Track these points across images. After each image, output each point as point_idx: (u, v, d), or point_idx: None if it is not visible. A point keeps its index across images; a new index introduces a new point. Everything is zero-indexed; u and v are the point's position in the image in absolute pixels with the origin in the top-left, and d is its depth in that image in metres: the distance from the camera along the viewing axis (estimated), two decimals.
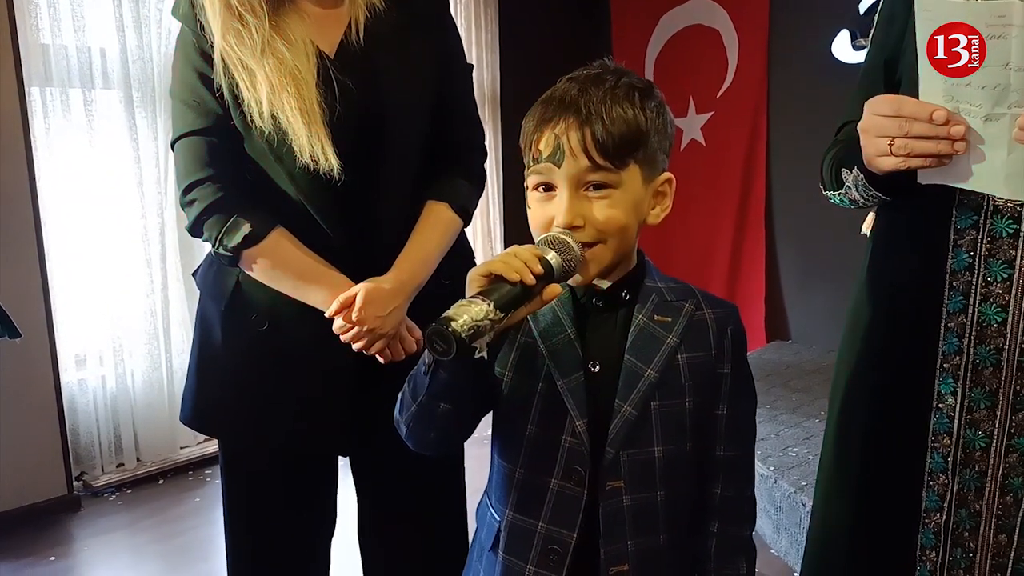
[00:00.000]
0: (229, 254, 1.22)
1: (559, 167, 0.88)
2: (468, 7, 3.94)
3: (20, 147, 2.64)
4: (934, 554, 1.11)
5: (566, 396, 0.92)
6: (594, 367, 0.94)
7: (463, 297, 0.81)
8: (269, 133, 1.18)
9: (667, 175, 0.95)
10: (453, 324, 0.76)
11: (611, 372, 0.93)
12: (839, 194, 1.13)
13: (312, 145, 1.16)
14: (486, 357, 0.82)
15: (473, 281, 0.83)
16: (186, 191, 1.23)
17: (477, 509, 1.06)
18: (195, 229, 1.24)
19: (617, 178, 0.89)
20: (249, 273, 1.25)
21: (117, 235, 2.97)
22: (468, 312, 0.77)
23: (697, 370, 0.95)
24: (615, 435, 0.92)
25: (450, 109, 1.33)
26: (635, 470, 0.93)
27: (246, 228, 1.20)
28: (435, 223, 1.31)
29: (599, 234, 0.89)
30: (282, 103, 1.15)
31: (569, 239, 0.87)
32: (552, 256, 0.85)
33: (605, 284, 0.95)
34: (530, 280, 0.81)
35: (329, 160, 1.17)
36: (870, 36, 1.18)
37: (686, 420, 0.95)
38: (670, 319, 0.95)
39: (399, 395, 0.94)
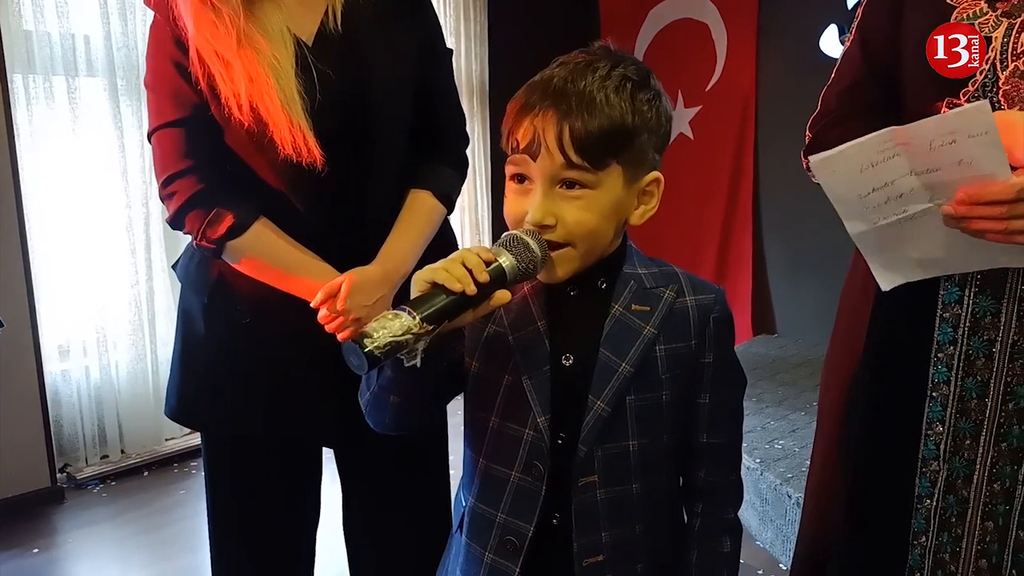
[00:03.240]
0: (212, 246, 1.20)
1: (534, 161, 0.85)
2: None
3: (2, 136, 2.61)
4: (924, 539, 1.12)
5: (529, 392, 0.90)
6: (567, 360, 0.91)
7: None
8: (249, 125, 1.15)
9: (655, 175, 0.89)
10: (367, 341, 0.74)
11: (586, 364, 0.90)
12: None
13: (294, 137, 1.14)
14: (418, 366, 0.80)
15: (416, 284, 0.80)
16: (165, 184, 1.21)
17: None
18: (176, 222, 1.22)
19: (594, 178, 0.84)
20: (232, 265, 1.24)
21: (101, 225, 2.94)
22: (389, 327, 0.75)
23: (676, 361, 0.92)
24: (587, 432, 0.89)
25: (431, 95, 1.31)
26: (609, 464, 0.91)
27: (229, 219, 1.19)
28: (419, 211, 1.30)
29: (569, 236, 0.85)
30: (261, 95, 1.13)
31: (530, 239, 0.83)
32: (506, 259, 0.82)
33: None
34: (471, 290, 0.78)
35: (312, 151, 1.15)
36: (852, 27, 1.18)
37: (663, 412, 0.92)
38: (648, 308, 0.91)
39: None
